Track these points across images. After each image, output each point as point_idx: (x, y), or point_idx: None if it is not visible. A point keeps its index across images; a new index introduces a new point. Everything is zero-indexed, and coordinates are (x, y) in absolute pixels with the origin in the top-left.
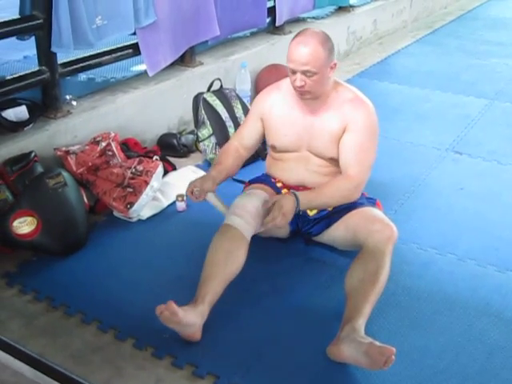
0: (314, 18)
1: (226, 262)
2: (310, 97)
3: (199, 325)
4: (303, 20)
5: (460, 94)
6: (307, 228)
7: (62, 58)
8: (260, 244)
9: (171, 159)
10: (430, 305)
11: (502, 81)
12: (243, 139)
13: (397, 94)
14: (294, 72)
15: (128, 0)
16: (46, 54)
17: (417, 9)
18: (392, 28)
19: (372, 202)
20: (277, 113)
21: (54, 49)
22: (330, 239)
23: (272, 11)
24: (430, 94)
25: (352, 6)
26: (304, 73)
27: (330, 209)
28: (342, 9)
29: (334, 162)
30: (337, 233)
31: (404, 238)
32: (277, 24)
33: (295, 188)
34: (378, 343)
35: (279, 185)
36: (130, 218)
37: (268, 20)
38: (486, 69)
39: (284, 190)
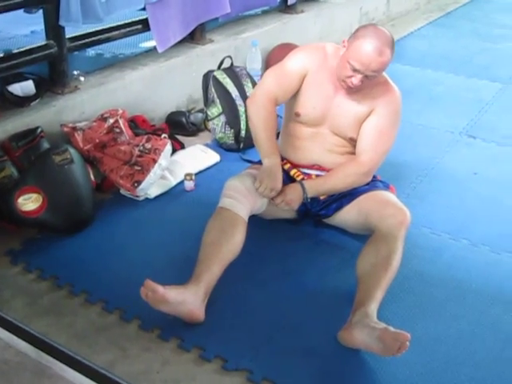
0: None
1: (221, 242)
2: (356, 91)
3: (195, 304)
4: (316, 0)
5: (473, 77)
6: (317, 210)
7: (70, 33)
8: (268, 225)
9: (180, 138)
10: (443, 291)
11: None
12: (280, 97)
13: (409, 76)
14: (355, 71)
15: None
16: (53, 28)
17: None
18: (404, 10)
19: (386, 185)
20: (313, 79)
21: (62, 22)
22: (342, 222)
23: None
24: (442, 76)
25: None
26: (367, 76)
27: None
28: None
29: (353, 142)
30: (348, 215)
31: (416, 222)
32: (289, 2)
33: (309, 167)
34: (392, 328)
35: (287, 167)
36: (137, 196)
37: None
38: (500, 53)
39: (293, 171)
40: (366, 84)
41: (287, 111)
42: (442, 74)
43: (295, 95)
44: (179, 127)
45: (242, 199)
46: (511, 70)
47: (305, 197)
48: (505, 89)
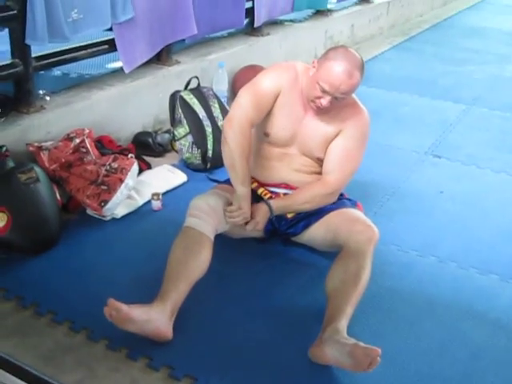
0: (291, 21)
1: (187, 260)
2: (325, 112)
3: (161, 322)
4: (281, 23)
5: (438, 99)
6: (285, 228)
7: (36, 52)
8: (236, 245)
9: (146, 158)
10: (413, 307)
11: (480, 87)
12: (256, 118)
13: (375, 98)
14: (324, 92)
15: None
16: (19, 47)
17: (393, 16)
18: (369, 34)
19: (353, 203)
20: (284, 99)
21: (28, 41)
22: (310, 239)
23: (250, 12)
24: (407, 98)
25: (330, 10)
26: (336, 98)
27: None
28: (319, 12)
29: (320, 162)
30: (317, 233)
31: (384, 239)
32: (255, 25)
33: (277, 186)
34: (362, 344)
35: (254, 185)
36: (103, 216)
37: (246, 21)
38: (463, 75)
39: (260, 190)
40: (334, 105)
41: (256, 131)
42: (406, 96)
43: (267, 116)
44: (146, 148)
45: (207, 218)
46: (474, 91)
47: (271, 216)
48: (468, 110)
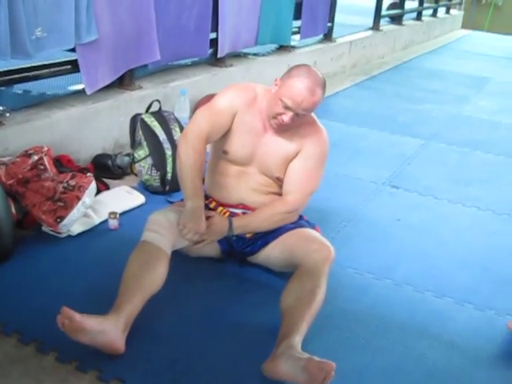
0: (255, 54)
1: (143, 274)
2: (285, 130)
3: (114, 334)
4: (245, 56)
5: (396, 133)
6: (243, 248)
7: None
8: (192, 263)
9: (105, 180)
10: (367, 327)
11: (437, 124)
12: (212, 135)
13: (335, 130)
14: (287, 108)
15: (70, 14)
16: None
17: (355, 56)
18: (331, 71)
19: (311, 225)
20: (242, 118)
21: None
22: (266, 259)
23: (214, 43)
24: (367, 132)
25: (293, 47)
26: (298, 114)
27: None
28: (282, 48)
29: (279, 181)
30: (273, 252)
31: (341, 262)
32: (219, 55)
33: (234, 206)
34: (316, 358)
35: (212, 205)
36: (59, 232)
37: (210, 51)
38: (421, 113)
39: (220, 209)
40: (295, 122)
41: (215, 148)
42: (366, 130)
43: (226, 135)
44: (105, 170)
45: (164, 233)
46: (432, 127)
47: (230, 234)
48: (426, 144)
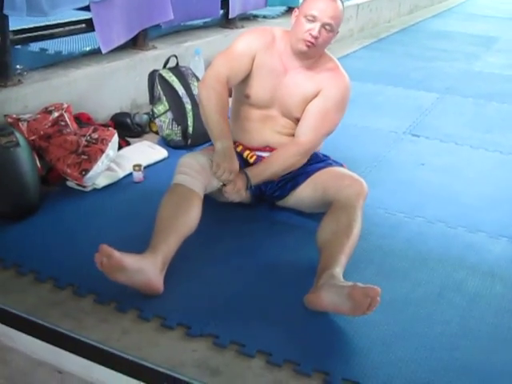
0: (264, 16)
1: (177, 215)
2: (312, 54)
3: (153, 273)
4: (255, 18)
5: (411, 89)
6: (272, 191)
7: (14, 26)
8: (223, 208)
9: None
10: (404, 261)
11: (450, 79)
12: (232, 79)
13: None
14: (313, 20)
15: None
16: None
17: (362, 19)
18: (339, 35)
19: (339, 164)
20: (262, 61)
21: (6, 11)
22: (298, 201)
23: (225, 4)
24: (382, 88)
25: None
26: (324, 25)
27: (295, 170)
28: (292, 10)
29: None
30: (305, 193)
31: (370, 203)
32: (230, 16)
33: (261, 149)
34: (361, 284)
35: (239, 149)
36: (84, 186)
37: (221, 13)
38: (433, 70)
39: (246, 153)
40: (322, 42)
41: (236, 93)
42: (381, 86)
43: (247, 78)
44: (124, 128)
45: (196, 175)
46: (445, 82)
47: (249, 185)
48: (442, 97)
